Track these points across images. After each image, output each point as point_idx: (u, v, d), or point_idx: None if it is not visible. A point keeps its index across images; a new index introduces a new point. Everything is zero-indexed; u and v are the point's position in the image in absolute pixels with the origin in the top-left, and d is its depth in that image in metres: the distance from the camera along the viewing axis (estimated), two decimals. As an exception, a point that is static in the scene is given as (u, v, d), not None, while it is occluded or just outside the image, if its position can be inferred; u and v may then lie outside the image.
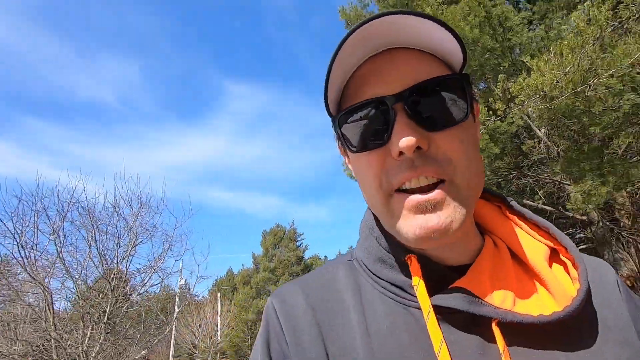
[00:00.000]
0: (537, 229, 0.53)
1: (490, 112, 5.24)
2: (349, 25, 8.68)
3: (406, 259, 0.48)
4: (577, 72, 3.55)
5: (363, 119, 0.46)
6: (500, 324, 0.42)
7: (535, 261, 0.49)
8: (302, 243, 32.71)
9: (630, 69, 3.79)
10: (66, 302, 6.96)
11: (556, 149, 6.80)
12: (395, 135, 0.43)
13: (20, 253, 5.83)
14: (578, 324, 0.45)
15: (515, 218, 0.55)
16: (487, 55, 5.71)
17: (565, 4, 6.06)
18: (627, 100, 4.00)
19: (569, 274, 0.49)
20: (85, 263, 6.61)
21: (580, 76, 3.55)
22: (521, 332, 0.43)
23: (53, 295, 6.03)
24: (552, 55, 3.80)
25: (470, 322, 0.44)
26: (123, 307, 5.98)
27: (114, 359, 5.66)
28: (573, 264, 0.48)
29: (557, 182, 7.01)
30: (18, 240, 5.81)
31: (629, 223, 7.78)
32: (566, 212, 6.88)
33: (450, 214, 0.43)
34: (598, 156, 4.98)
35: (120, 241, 6.68)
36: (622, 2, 3.39)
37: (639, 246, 7.96)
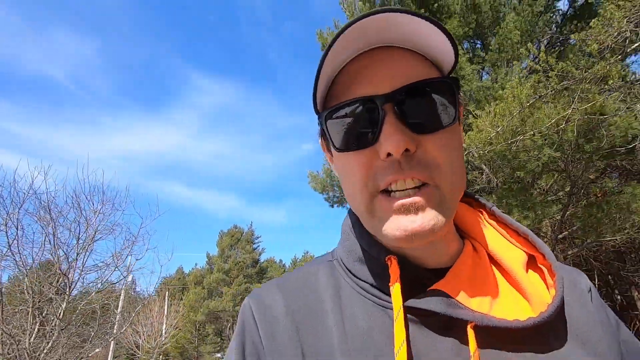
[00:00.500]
0: (516, 236, 0.53)
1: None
2: (324, 48, 9.24)
3: (386, 260, 0.48)
4: (507, 130, 4.42)
5: (351, 117, 0.45)
6: (476, 328, 0.42)
7: (513, 267, 0.49)
8: (259, 245, 32.67)
9: (549, 130, 4.72)
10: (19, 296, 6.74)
11: (496, 180, 7.85)
12: (384, 136, 0.43)
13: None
14: (551, 330, 0.45)
15: (495, 224, 0.55)
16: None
17: (511, 58, 7.08)
18: (545, 153, 4.94)
19: (545, 280, 0.49)
20: (39, 257, 6.50)
21: (509, 134, 4.42)
22: (496, 336, 0.43)
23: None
24: (492, 111, 4.63)
25: (446, 325, 0.44)
26: (81, 303, 5.98)
27: (67, 356, 5.65)
28: (550, 271, 0.49)
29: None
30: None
31: (550, 248, 9.06)
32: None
33: (432, 217, 0.43)
34: (523, 195, 5.95)
35: (80, 237, 6.64)
36: (541, 82, 4.28)
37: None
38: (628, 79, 5.50)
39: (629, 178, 6.96)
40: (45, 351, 5.38)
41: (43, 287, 5.96)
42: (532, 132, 4.51)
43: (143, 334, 20.09)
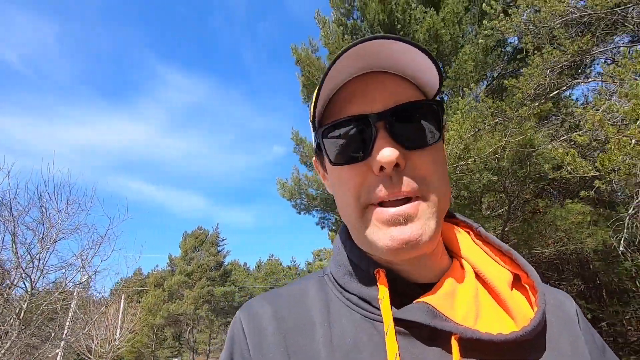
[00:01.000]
0: (501, 255, 0.56)
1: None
2: (298, 62, 9.73)
3: (375, 272, 0.50)
4: (452, 155, 5.12)
5: (346, 133, 0.48)
6: (460, 340, 0.43)
7: (498, 284, 0.51)
8: (223, 248, 32.28)
9: (488, 156, 5.48)
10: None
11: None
12: (376, 151, 0.45)
13: None
14: (532, 346, 0.47)
15: (481, 243, 0.58)
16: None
17: (466, 85, 7.92)
18: (485, 177, 5.70)
19: (528, 298, 0.51)
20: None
21: (454, 159, 5.12)
22: (479, 349, 0.44)
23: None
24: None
25: (431, 337, 0.46)
26: (42, 304, 5.96)
27: (24, 356, 5.61)
28: (532, 289, 0.51)
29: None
30: None
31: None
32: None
33: (421, 226, 0.45)
34: (470, 210, 6.71)
35: (44, 237, 6.60)
36: (480, 119, 5.03)
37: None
38: (560, 113, 6.46)
39: (561, 198, 8.01)
40: (2, 352, 5.34)
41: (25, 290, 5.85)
42: (473, 159, 5.24)
43: (96, 338, 19.19)
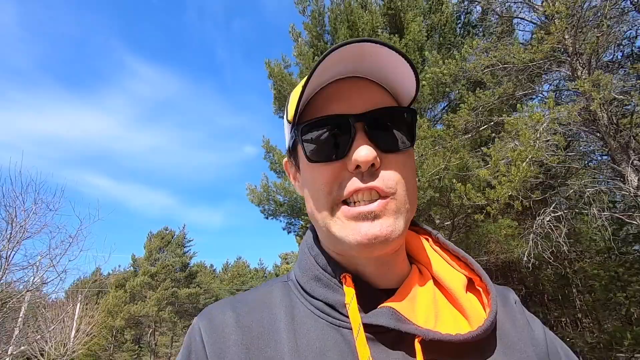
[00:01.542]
0: (457, 260, 0.58)
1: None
2: (271, 76, 10.31)
3: (342, 277, 0.51)
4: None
5: (325, 131, 0.49)
6: (423, 342, 0.45)
7: (454, 288, 0.53)
8: (190, 249, 31.87)
9: (432, 176, 6.36)
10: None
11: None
12: (354, 149, 0.47)
13: None
14: (487, 344, 0.50)
15: (439, 249, 0.60)
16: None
17: (420, 108, 8.85)
18: (428, 194, 6.58)
19: (481, 300, 0.54)
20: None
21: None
22: (440, 350, 0.46)
23: None
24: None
25: (396, 340, 0.47)
26: (9, 302, 6.10)
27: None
28: (485, 292, 0.54)
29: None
30: None
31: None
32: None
33: (390, 224, 0.47)
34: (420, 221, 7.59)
35: (11, 238, 6.74)
36: (422, 145, 5.92)
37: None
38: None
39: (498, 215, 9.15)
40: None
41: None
42: (418, 178, 6.09)
43: (50, 340, 18.49)
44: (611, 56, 6.05)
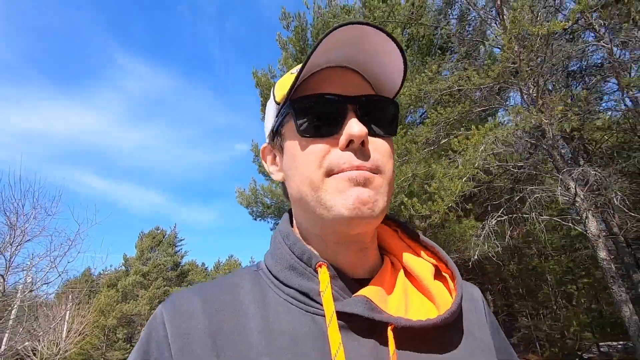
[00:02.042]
0: (425, 250, 0.61)
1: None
2: (258, 85, 10.91)
3: (317, 266, 0.51)
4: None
5: (320, 108, 0.51)
6: (395, 330, 0.47)
7: (423, 277, 0.56)
8: (181, 248, 32.28)
9: (402, 182, 7.09)
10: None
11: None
12: (346, 127, 0.49)
13: None
14: (455, 330, 0.53)
15: (408, 240, 0.63)
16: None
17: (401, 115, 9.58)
18: (400, 199, 7.32)
19: (447, 286, 0.57)
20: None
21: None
22: (412, 337, 0.48)
23: None
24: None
25: (369, 328, 0.48)
26: (14, 300, 6.59)
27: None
28: (451, 277, 0.57)
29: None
30: None
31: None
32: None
33: (376, 194, 0.49)
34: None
35: (13, 242, 7.25)
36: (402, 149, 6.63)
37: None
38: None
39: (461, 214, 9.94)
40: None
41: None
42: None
43: (43, 339, 18.68)
44: (554, 78, 6.86)
